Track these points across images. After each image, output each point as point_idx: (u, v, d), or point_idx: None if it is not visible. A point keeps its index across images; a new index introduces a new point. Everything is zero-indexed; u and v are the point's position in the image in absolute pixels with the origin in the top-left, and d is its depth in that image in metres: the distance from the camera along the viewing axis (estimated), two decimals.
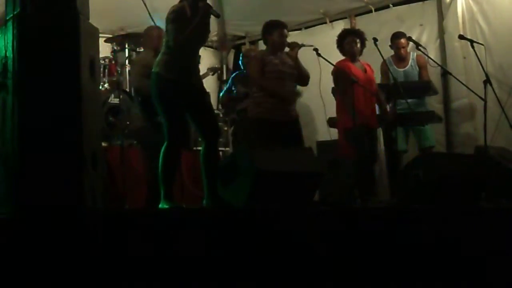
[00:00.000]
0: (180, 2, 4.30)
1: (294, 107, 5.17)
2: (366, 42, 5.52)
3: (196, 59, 4.37)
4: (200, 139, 5.66)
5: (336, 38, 5.55)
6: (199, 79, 4.41)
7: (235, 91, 6.36)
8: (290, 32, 5.38)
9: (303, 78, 5.18)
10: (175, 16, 4.18)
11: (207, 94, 4.52)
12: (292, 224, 3.24)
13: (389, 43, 5.92)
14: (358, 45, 5.45)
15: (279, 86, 5.03)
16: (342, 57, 5.53)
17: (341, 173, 5.47)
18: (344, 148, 5.39)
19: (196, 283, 2.87)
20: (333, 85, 5.59)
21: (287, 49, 5.19)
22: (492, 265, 3.59)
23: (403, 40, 5.86)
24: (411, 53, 5.99)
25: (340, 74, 5.32)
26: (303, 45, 5.13)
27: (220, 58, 8.18)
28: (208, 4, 4.28)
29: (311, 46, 5.18)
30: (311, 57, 5.25)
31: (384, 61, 5.61)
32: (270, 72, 5.05)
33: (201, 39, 4.39)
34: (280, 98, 5.01)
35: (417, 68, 5.94)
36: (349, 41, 5.46)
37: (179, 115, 4.19)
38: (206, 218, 3.20)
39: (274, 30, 5.14)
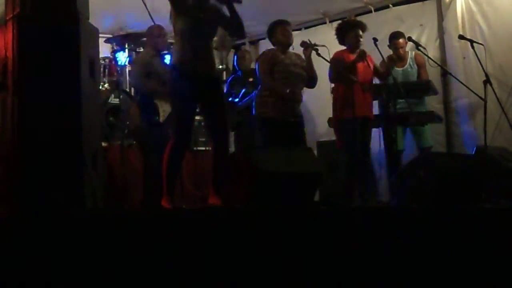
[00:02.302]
0: None
1: (299, 108, 5.19)
2: (366, 42, 5.53)
3: (208, 48, 4.34)
4: (200, 139, 5.68)
5: (340, 27, 5.53)
6: (213, 68, 4.37)
7: (233, 93, 6.37)
8: None
9: (312, 80, 5.20)
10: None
11: (221, 88, 4.48)
12: (291, 224, 3.24)
13: (387, 44, 5.92)
14: (362, 38, 5.47)
15: (287, 87, 5.04)
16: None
17: (341, 173, 5.47)
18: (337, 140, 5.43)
19: (196, 284, 2.87)
20: (333, 85, 5.59)
21: (301, 49, 5.21)
22: (492, 265, 3.59)
23: (401, 40, 5.86)
24: (409, 52, 5.99)
25: (337, 64, 5.32)
26: (316, 45, 5.15)
27: (220, 58, 8.16)
28: None
29: (323, 46, 5.20)
30: (312, 58, 5.25)
31: (384, 60, 5.61)
32: (280, 72, 5.07)
33: (210, 31, 4.35)
34: (286, 98, 5.02)
35: (416, 67, 5.93)
36: (355, 35, 5.44)
37: (189, 114, 4.19)
38: (206, 218, 3.20)
39: (276, 28, 5.17)
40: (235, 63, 6.61)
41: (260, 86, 5.22)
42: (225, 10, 4.39)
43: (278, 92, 5.02)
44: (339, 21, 5.97)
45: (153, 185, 4.27)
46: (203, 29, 4.21)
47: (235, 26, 4.44)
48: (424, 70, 5.91)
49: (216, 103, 4.26)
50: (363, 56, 5.27)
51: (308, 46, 5.14)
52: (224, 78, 7.94)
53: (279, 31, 5.16)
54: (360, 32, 5.45)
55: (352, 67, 5.28)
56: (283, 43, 5.15)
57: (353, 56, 5.36)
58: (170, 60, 4.29)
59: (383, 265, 3.31)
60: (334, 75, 5.35)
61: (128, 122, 5.57)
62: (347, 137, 5.26)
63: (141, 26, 6.23)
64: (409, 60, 5.94)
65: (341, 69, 5.26)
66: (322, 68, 5.31)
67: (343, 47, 5.55)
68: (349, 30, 5.48)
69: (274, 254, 3.07)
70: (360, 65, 5.36)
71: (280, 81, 5.07)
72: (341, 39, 5.53)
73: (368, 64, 5.44)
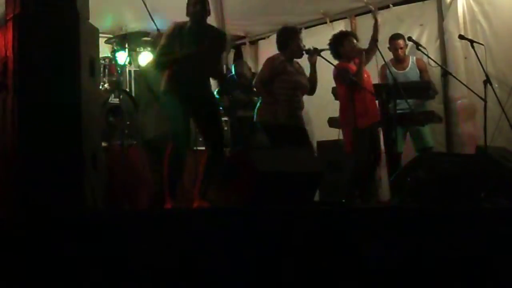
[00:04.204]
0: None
1: (301, 114, 5.20)
2: (366, 43, 5.54)
3: (202, 71, 4.36)
4: (200, 139, 5.69)
5: (332, 42, 5.50)
6: (205, 88, 4.40)
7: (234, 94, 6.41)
8: None
9: (312, 87, 5.20)
10: (166, 41, 4.20)
11: (215, 104, 4.53)
12: (292, 224, 3.24)
13: (387, 46, 5.93)
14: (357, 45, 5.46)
15: (290, 96, 5.04)
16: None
17: (341, 173, 5.48)
18: (350, 146, 5.38)
19: (197, 284, 2.87)
20: (333, 85, 5.59)
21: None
22: (492, 265, 3.59)
23: (400, 41, 5.88)
24: (411, 56, 6.01)
25: (343, 73, 5.30)
26: (321, 50, 5.14)
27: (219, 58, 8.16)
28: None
29: (327, 49, 5.20)
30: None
31: (385, 64, 5.61)
32: (286, 81, 5.04)
33: (205, 55, 4.37)
34: (288, 104, 5.03)
35: (418, 71, 5.95)
36: (350, 41, 5.44)
37: (183, 119, 4.23)
38: (206, 218, 3.20)
39: (294, 37, 5.11)
40: (233, 72, 6.63)
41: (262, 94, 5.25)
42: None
43: (269, 102, 5.04)
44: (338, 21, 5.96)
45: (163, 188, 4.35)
46: (198, 58, 4.21)
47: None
48: (427, 75, 5.93)
49: (209, 119, 4.31)
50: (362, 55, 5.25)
51: (313, 53, 5.10)
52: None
53: (296, 40, 5.10)
54: (354, 40, 5.44)
55: (359, 75, 5.25)
56: (296, 54, 5.12)
57: (352, 65, 5.34)
58: (162, 83, 4.31)
59: (383, 265, 3.31)
60: (346, 82, 5.28)
61: (130, 124, 5.58)
62: (362, 146, 5.24)
63: (141, 26, 6.24)
64: (410, 64, 5.97)
65: (351, 77, 5.22)
66: (321, 69, 5.31)
67: None
68: (342, 40, 5.44)
69: (274, 254, 3.07)
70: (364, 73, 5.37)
71: (285, 90, 5.06)
72: (336, 54, 5.44)
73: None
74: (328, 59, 5.27)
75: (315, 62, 5.12)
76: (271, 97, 5.04)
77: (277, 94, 5.05)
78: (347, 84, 5.23)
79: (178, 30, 4.20)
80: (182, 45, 4.16)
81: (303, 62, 5.27)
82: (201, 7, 4.24)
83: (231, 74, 6.66)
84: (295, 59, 5.21)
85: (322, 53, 5.22)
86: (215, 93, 6.14)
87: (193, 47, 4.15)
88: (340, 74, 5.28)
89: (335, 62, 5.40)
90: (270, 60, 5.25)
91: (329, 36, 5.59)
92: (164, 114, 4.36)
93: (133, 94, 6.13)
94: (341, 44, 5.42)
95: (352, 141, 5.30)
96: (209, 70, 4.45)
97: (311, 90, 5.23)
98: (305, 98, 5.55)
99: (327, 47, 5.24)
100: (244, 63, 6.92)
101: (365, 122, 5.19)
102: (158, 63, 4.29)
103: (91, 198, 3.14)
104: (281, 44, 5.17)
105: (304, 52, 5.14)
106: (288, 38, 5.13)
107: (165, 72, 4.31)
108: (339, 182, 5.48)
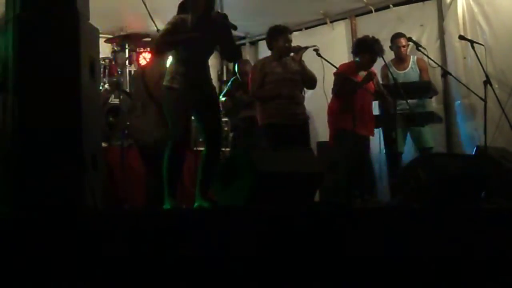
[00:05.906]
0: (184, 14, 4.30)
1: (302, 110, 5.19)
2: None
3: (204, 66, 4.37)
4: (200, 140, 5.70)
5: (359, 45, 5.48)
6: (207, 84, 4.41)
7: (234, 97, 6.41)
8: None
9: (309, 81, 5.20)
10: (170, 27, 4.19)
11: (216, 100, 4.54)
12: (291, 225, 3.24)
13: (389, 45, 5.94)
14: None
15: (282, 93, 5.05)
16: (340, 58, 5.52)
17: (341, 173, 5.48)
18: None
19: (196, 284, 2.87)
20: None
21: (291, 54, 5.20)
22: (492, 266, 3.59)
23: (402, 39, 5.91)
24: (411, 56, 6.02)
25: (342, 77, 5.31)
26: (306, 48, 5.14)
27: (220, 58, 8.17)
28: (221, 16, 4.28)
29: (314, 46, 5.19)
30: (312, 58, 5.25)
31: (385, 64, 5.62)
32: (272, 82, 5.08)
33: (208, 50, 4.38)
34: (283, 101, 5.03)
35: (418, 70, 5.96)
36: (369, 56, 5.42)
37: (184, 116, 4.23)
38: (206, 218, 3.20)
39: (279, 35, 5.14)
40: (236, 70, 6.63)
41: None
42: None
43: (269, 98, 5.05)
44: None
45: (157, 187, 4.33)
46: (200, 48, 4.21)
47: (230, 50, 4.48)
48: (426, 74, 5.95)
49: (210, 113, 4.31)
50: (370, 77, 5.25)
51: (298, 50, 5.13)
52: (225, 78, 7.96)
53: (281, 38, 5.13)
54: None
55: (359, 87, 5.26)
56: (282, 51, 5.14)
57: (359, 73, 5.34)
58: (164, 79, 4.31)
59: (383, 265, 3.31)
60: (341, 91, 5.31)
61: (128, 123, 5.57)
62: (345, 148, 5.26)
63: (141, 26, 6.24)
64: (411, 63, 5.99)
65: (350, 88, 5.24)
66: (319, 69, 5.30)
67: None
68: (364, 52, 5.40)
69: (274, 254, 3.07)
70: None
71: (276, 89, 5.08)
72: (363, 51, 5.43)
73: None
74: (327, 59, 5.26)
75: (300, 59, 5.12)
76: (265, 98, 5.08)
77: (269, 94, 5.07)
78: (344, 91, 5.29)
79: (181, 22, 4.19)
80: None
81: (310, 59, 5.29)
82: (212, 3, 4.27)
83: (234, 77, 6.65)
84: (289, 57, 5.22)
85: (323, 54, 5.22)
86: (220, 97, 6.19)
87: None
88: (340, 83, 5.30)
89: (337, 60, 5.41)
90: (254, 66, 5.39)
91: (329, 37, 5.61)
92: (164, 111, 4.33)
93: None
94: (361, 53, 5.40)
95: (337, 141, 5.36)
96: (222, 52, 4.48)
97: (308, 85, 5.24)
98: (306, 98, 5.56)
99: (312, 46, 5.22)
100: (247, 61, 6.91)
101: (356, 129, 5.20)
102: (161, 44, 4.23)
103: (91, 198, 3.14)
104: (268, 43, 5.26)
105: (291, 50, 5.16)
106: (271, 37, 5.20)
107: (167, 67, 4.31)
108: (339, 182, 5.48)
